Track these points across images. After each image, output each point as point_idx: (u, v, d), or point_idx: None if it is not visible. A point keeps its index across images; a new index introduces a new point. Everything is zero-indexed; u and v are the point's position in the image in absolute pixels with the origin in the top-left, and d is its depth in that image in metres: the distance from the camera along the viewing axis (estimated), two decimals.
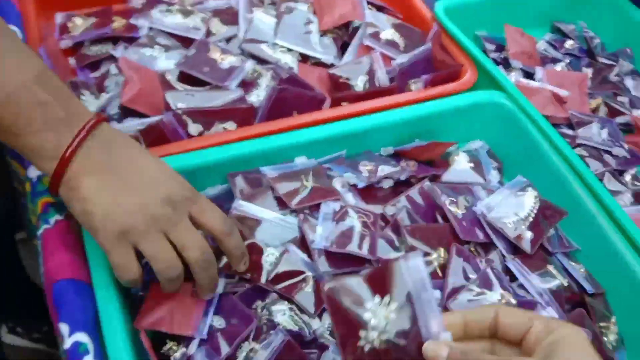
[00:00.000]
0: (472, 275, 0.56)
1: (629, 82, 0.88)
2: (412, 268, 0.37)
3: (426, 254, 0.56)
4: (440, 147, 0.70)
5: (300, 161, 0.64)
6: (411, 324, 0.36)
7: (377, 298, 0.37)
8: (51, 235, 0.50)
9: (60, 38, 0.76)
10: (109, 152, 0.45)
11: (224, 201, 0.59)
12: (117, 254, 0.44)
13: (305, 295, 0.52)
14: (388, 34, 0.79)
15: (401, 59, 0.74)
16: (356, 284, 0.37)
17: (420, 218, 0.61)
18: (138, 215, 0.44)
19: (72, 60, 0.75)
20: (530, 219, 0.61)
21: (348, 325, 0.36)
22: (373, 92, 0.71)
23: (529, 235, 0.61)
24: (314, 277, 0.53)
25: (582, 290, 0.60)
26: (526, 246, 0.60)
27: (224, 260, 0.51)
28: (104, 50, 0.75)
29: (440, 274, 0.56)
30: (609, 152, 0.75)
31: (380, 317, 0.36)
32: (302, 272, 0.53)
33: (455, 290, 0.54)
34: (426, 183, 0.64)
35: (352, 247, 0.55)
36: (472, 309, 0.43)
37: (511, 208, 0.62)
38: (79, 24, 0.78)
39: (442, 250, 0.57)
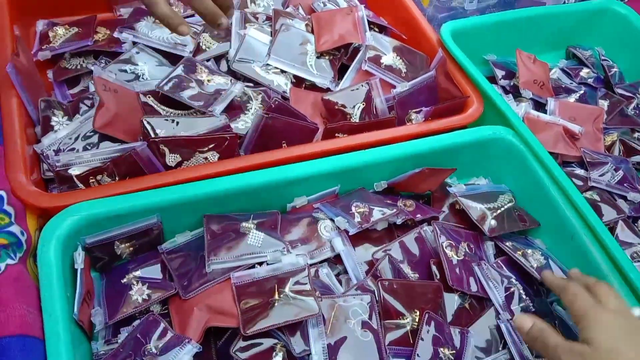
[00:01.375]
0: (445, 350, 0.50)
1: None
2: None
3: (399, 315, 0.51)
4: (437, 175, 0.64)
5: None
6: None
7: None
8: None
9: (40, 48, 0.71)
10: None
11: (196, 251, 0.54)
12: None
13: None
14: (389, 58, 0.73)
15: (400, 88, 0.68)
16: None
17: (411, 269, 0.56)
18: None
19: (50, 74, 0.71)
20: (499, 211, 0.62)
21: None
22: (370, 123, 0.65)
23: (493, 222, 0.61)
24: (284, 345, 0.48)
25: None
26: (486, 228, 0.60)
27: None
28: (85, 64, 0.70)
29: (410, 340, 0.50)
30: (624, 197, 0.70)
31: None
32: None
33: None
34: (424, 229, 0.59)
35: None
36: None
37: (484, 200, 0.63)
38: (61, 33, 0.73)
39: (417, 314, 0.51)
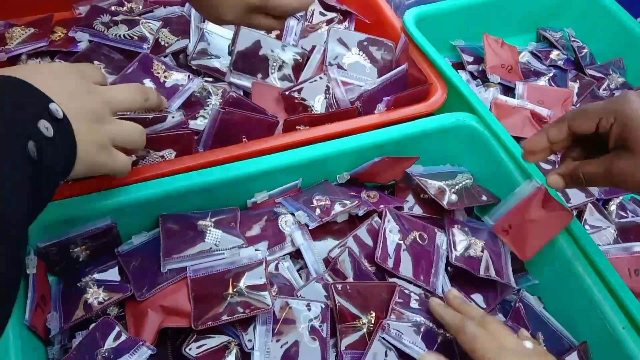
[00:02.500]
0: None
1: None
2: None
3: (354, 318, 0.50)
4: (400, 164, 0.63)
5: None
6: None
7: None
8: None
9: None
10: None
11: (152, 251, 0.53)
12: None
13: None
14: (352, 56, 0.71)
15: (368, 86, 0.67)
16: None
17: (368, 262, 0.55)
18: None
19: None
20: (458, 187, 0.61)
21: None
22: (331, 114, 0.64)
23: (453, 197, 0.60)
24: (238, 343, 0.47)
25: None
26: (445, 202, 0.60)
27: None
28: None
29: (368, 341, 0.49)
30: None
31: None
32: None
33: None
34: (375, 219, 0.58)
35: None
36: (550, 125, 0.51)
37: (443, 178, 0.63)
38: (17, 34, 0.71)
39: (373, 315, 0.50)
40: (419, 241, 0.57)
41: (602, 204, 0.67)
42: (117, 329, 0.48)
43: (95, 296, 0.51)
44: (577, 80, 0.80)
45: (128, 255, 0.54)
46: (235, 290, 0.49)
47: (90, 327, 0.49)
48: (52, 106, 0.38)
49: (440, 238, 0.58)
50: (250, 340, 0.47)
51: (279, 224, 0.57)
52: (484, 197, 0.63)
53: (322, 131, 0.62)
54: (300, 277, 0.55)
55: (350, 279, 0.53)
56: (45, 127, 0.37)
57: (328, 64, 0.70)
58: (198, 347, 0.47)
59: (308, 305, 0.50)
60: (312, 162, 0.61)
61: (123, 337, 0.47)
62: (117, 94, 0.47)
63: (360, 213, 0.59)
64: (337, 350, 0.48)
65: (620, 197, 0.68)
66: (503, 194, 0.64)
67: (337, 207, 0.57)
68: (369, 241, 0.56)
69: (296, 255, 0.57)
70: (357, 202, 0.58)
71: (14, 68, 0.41)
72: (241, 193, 0.60)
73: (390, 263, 0.55)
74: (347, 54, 0.71)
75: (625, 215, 0.67)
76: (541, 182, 0.59)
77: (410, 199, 0.64)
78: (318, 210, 0.57)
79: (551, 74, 0.80)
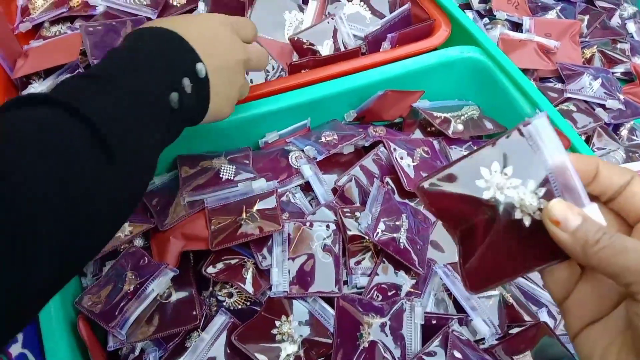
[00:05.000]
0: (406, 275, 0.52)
1: (631, 27, 0.80)
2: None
3: (362, 238, 0.52)
4: (405, 99, 0.65)
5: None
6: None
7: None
8: None
9: (21, 21, 0.74)
10: None
11: (173, 189, 0.56)
12: None
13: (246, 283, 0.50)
14: (352, 7, 0.73)
15: (372, 27, 0.68)
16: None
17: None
18: None
19: (36, 43, 0.74)
20: (463, 117, 0.63)
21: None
22: (335, 56, 0.66)
23: (459, 127, 0.62)
24: (254, 263, 0.50)
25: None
26: (450, 131, 0.61)
27: None
28: (63, 30, 0.73)
29: (377, 259, 0.52)
30: (602, 106, 0.69)
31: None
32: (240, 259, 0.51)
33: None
34: (381, 149, 0.60)
35: (318, 286, 0.50)
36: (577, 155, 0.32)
37: (448, 110, 0.64)
38: (39, 4, 0.76)
39: None
40: (425, 155, 0.59)
41: (612, 129, 0.68)
42: (142, 255, 0.52)
43: (122, 230, 0.55)
44: (587, 13, 0.80)
45: (150, 194, 0.58)
46: (248, 215, 0.52)
47: (119, 256, 0.53)
48: (198, 66, 0.42)
49: (438, 145, 0.61)
50: (264, 258, 0.50)
51: (289, 160, 0.60)
52: (490, 127, 0.64)
53: (329, 71, 0.65)
54: (312, 206, 0.58)
55: (358, 205, 0.56)
56: (187, 84, 0.41)
57: (327, 13, 0.72)
58: (216, 267, 0.50)
59: (320, 225, 0.52)
60: (320, 100, 0.63)
61: (148, 262, 0.51)
62: (255, 56, 0.50)
63: (367, 144, 0.61)
64: (347, 267, 0.51)
65: (632, 121, 0.68)
66: (510, 125, 0.65)
67: (344, 140, 0.60)
68: (375, 170, 0.59)
69: (307, 188, 0.60)
70: (363, 134, 0.61)
71: (169, 20, 0.44)
72: (253, 134, 0.63)
73: None
74: (347, 5, 0.73)
75: (635, 138, 0.67)
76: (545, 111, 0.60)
77: (417, 132, 0.65)
78: (326, 145, 0.59)
79: (559, 7, 0.79)
